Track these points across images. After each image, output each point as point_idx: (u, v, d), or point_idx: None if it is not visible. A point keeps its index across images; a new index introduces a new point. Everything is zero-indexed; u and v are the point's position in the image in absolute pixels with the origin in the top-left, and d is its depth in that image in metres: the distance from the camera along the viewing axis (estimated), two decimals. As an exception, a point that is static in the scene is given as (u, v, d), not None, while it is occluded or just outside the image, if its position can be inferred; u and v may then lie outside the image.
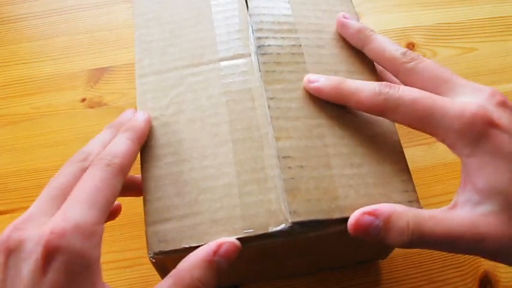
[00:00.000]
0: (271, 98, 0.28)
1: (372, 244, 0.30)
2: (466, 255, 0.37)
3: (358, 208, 0.25)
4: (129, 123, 0.27)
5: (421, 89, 0.26)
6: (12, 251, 0.21)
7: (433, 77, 0.26)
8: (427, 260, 0.36)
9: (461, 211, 0.24)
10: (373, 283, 0.36)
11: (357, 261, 0.36)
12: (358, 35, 0.30)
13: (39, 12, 0.50)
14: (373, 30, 0.30)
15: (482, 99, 0.25)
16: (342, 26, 0.31)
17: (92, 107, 0.44)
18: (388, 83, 0.26)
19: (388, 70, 0.29)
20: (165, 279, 0.23)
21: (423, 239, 0.23)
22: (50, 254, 0.20)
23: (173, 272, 0.23)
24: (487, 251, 0.23)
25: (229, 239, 0.24)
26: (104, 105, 0.44)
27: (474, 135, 0.23)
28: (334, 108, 0.28)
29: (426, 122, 0.25)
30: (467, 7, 0.51)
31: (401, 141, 0.42)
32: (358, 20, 0.32)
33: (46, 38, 0.48)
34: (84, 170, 0.25)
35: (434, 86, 0.26)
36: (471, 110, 0.24)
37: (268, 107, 0.28)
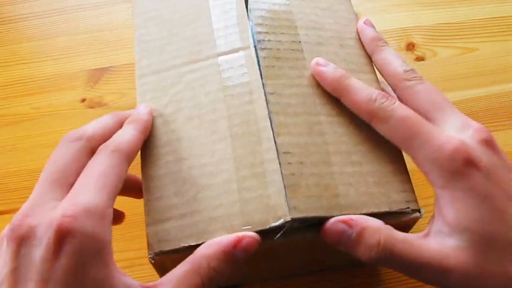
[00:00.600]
0: (271, 93, 0.28)
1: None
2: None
3: (358, 206, 0.25)
4: (134, 115, 0.28)
5: (414, 109, 0.26)
6: (24, 238, 0.21)
7: (428, 101, 0.27)
8: (427, 260, 0.36)
9: (433, 241, 0.24)
10: (373, 283, 0.36)
11: (358, 261, 0.36)
12: (370, 43, 0.31)
13: (40, 12, 0.50)
14: (386, 42, 0.31)
15: (467, 136, 0.25)
16: (360, 31, 0.32)
17: (92, 107, 0.44)
18: (386, 94, 0.27)
19: (388, 83, 0.29)
20: (182, 263, 0.23)
21: (391, 259, 0.24)
22: (62, 238, 0.20)
23: (191, 258, 0.23)
24: (450, 285, 0.23)
25: (250, 233, 0.24)
26: (104, 106, 0.44)
27: (451, 169, 0.24)
28: (335, 106, 0.28)
29: (409, 143, 0.25)
30: (468, 7, 0.51)
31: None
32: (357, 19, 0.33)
33: (46, 38, 0.48)
34: (80, 149, 0.25)
35: (427, 110, 0.27)
36: (453, 145, 0.24)
37: (268, 101, 0.27)
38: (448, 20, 0.50)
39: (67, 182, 0.23)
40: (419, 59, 0.47)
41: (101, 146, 0.25)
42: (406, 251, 0.24)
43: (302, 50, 0.30)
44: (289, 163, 0.26)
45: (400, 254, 0.23)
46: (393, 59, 0.29)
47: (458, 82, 0.46)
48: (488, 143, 0.25)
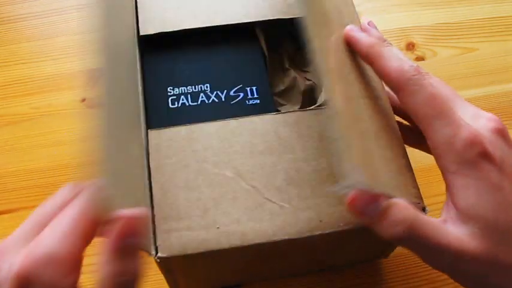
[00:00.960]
0: None
1: (373, 242, 0.30)
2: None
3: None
4: None
5: (424, 104, 0.25)
6: None
7: (439, 92, 0.26)
8: (427, 260, 0.37)
9: (451, 227, 0.24)
10: (374, 283, 0.36)
11: (358, 261, 0.36)
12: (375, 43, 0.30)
13: (39, 12, 0.50)
14: (390, 43, 0.29)
15: (481, 125, 0.25)
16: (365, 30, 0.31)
17: (92, 107, 0.44)
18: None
19: (393, 80, 0.27)
20: None
21: (414, 238, 0.24)
22: (20, 285, 0.20)
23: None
24: (465, 271, 0.24)
25: (127, 213, 0.21)
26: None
27: (466, 157, 0.24)
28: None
29: (430, 122, 0.25)
30: (467, 7, 0.51)
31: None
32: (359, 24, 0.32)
33: (46, 38, 0.48)
34: (70, 193, 0.24)
35: (440, 102, 0.26)
36: (471, 133, 0.24)
37: None
38: (448, 20, 0.50)
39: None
40: (419, 59, 0.47)
41: (82, 191, 0.23)
42: (430, 232, 0.24)
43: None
44: None
45: (425, 234, 0.24)
46: (400, 56, 0.28)
47: (457, 82, 0.46)
48: (501, 133, 0.25)
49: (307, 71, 0.34)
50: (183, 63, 0.31)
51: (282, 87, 0.34)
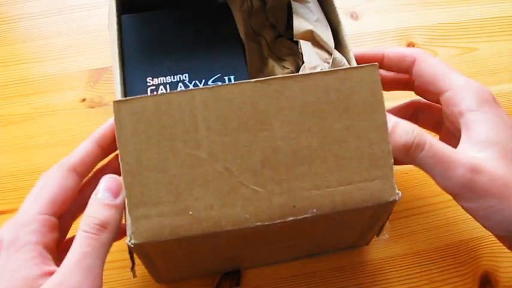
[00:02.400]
0: None
1: (350, 228, 0.30)
2: (465, 257, 0.37)
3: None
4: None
5: (438, 64, 0.30)
6: None
7: (442, 61, 0.31)
8: (426, 260, 0.36)
9: (465, 152, 0.27)
10: (374, 283, 0.36)
11: (338, 247, 0.36)
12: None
13: (39, 12, 0.50)
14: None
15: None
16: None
17: (92, 107, 0.44)
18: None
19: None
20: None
21: (425, 148, 0.26)
22: None
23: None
24: (478, 186, 0.25)
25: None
26: (104, 105, 0.44)
27: (483, 97, 0.28)
28: None
29: (447, 76, 0.29)
30: (468, 7, 0.51)
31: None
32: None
33: (46, 38, 0.48)
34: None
35: (445, 65, 0.30)
36: (478, 84, 0.29)
37: None
38: (448, 20, 0.50)
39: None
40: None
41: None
42: (440, 145, 0.26)
43: None
44: None
45: (436, 145, 0.26)
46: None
47: (458, 82, 0.46)
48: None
49: (285, 60, 0.34)
50: (163, 54, 0.32)
51: (260, 76, 0.34)
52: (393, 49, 0.32)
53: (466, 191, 0.26)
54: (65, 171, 0.27)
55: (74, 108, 0.44)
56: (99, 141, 0.28)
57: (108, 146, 0.29)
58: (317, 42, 0.32)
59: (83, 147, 0.28)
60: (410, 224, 0.38)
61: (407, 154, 0.26)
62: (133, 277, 0.28)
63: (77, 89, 0.45)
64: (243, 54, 0.32)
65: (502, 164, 0.26)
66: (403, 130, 0.26)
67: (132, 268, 0.27)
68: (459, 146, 0.27)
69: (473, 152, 0.27)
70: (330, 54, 0.31)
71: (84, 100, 0.45)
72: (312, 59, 0.30)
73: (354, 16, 0.50)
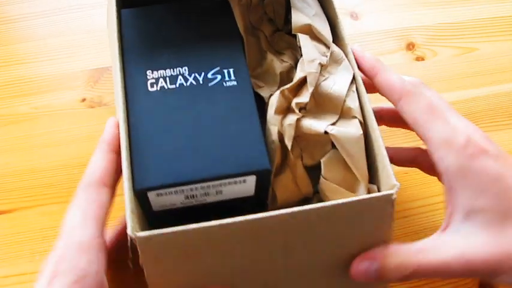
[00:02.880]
0: None
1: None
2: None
3: None
4: (102, 137, 0.28)
5: (425, 109, 0.27)
6: None
7: (437, 101, 0.28)
8: (427, 260, 0.36)
9: (449, 237, 0.25)
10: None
11: None
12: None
13: (39, 12, 0.50)
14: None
15: (473, 128, 0.27)
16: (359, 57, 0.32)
17: (92, 107, 0.44)
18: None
19: (396, 86, 0.29)
20: None
21: (418, 273, 0.25)
22: None
23: None
24: (479, 275, 0.24)
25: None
26: (104, 105, 0.44)
27: (466, 153, 0.25)
28: None
29: (429, 126, 0.26)
30: (468, 7, 0.51)
31: (400, 141, 0.42)
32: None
33: (46, 38, 0.48)
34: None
35: (439, 109, 0.27)
36: (466, 133, 0.26)
37: None
38: (448, 20, 0.50)
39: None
40: (419, 59, 0.47)
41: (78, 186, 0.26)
42: (425, 261, 0.25)
43: None
44: None
45: (421, 265, 0.25)
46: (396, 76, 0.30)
47: (458, 82, 0.46)
48: (487, 137, 0.26)
49: (284, 53, 0.34)
50: (163, 48, 0.32)
51: (259, 70, 0.34)
52: (383, 79, 0.29)
53: (473, 277, 0.26)
54: (98, 188, 0.26)
55: (74, 108, 0.44)
56: (111, 147, 0.27)
57: (119, 147, 0.28)
58: (315, 36, 0.32)
59: (99, 159, 0.27)
60: (410, 224, 0.38)
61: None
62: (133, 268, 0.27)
63: (77, 89, 0.45)
64: (242, 48, 0.32)
65: (488, 235, 0.24)
66: (390, 261, 0.26)
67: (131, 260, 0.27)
68: (445, 221, 0.26)
69: (457, 227, 0.25)
70: (328, 47, 0.31)
71: (84, 100, 0.45)
72: (310, 52, 0.31)
73: (353, 16, 0.50)
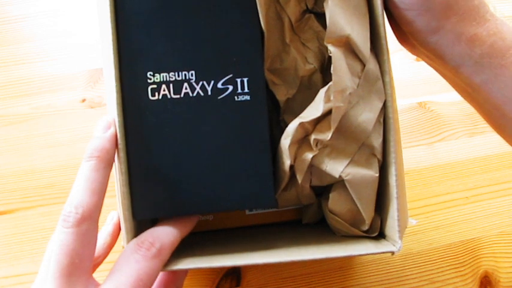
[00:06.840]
0: None
1: None
2: (465, 257, 0.37)
3: None
4: (93, 149, 0.25)
5: None
6: None
7: None
8: (426, 260, 0.36)
9: None
10: (374, 283, 0.36)
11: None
12: None
13: (39, 12, 0.50)
14: None
15: None
16: None
17: (92, 107, 0.44)
18: None
19: None
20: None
21: None
22: None
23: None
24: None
25: None
26: (104, 105, 0.44)
27: None
28: None
29: None
30: (468, 7, 0.51)
31: (402, 141, 0.42)
32: None
33: (46, 38, 0.48)
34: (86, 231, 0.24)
35: None
36: None
37: None
38: (448, 20, 0.50)
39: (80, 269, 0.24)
40: (420, 59, 0.47)
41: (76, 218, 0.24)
42: None
43: None
44: None
45: None
46: None
47: (458, 82, 0.46)
48: None
49: (309, 47, 0.30)
50: (167, 44, 0.27)
51: (279, 65, 0.30)
52: None
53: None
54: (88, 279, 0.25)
55: (74, 108, 0.44)
56: (107, 162, 0.25)
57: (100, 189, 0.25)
58: (351, 50, 0.27)
59: (98, 177, 0.25)
60: (410, 224, 0.38)
61: None
62: None
63: (77, 89, 0.45)
64: (261, 50, 0.28)
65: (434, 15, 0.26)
66: None
67: None
68: None
69: None
70: (364, 64, 0.27)
71: (84, 100, 0.45)
72: (342, 78, 0.26)
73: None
